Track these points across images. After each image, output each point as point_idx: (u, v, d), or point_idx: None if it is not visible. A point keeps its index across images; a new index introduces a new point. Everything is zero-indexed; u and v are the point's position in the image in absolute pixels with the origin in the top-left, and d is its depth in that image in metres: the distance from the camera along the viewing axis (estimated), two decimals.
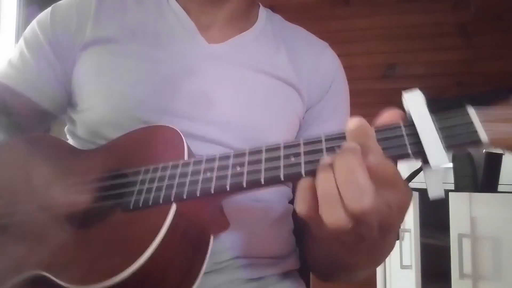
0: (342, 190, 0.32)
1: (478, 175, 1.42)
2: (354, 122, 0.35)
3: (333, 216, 0.32)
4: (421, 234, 1.42)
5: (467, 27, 1.93)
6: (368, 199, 0.31)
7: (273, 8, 0.76)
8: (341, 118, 0.68)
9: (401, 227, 1.41)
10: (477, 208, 1.29)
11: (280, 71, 0.64)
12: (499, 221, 1.28)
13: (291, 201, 0.66)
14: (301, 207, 0.35)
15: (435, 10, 1.96)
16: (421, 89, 0.37)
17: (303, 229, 0.63)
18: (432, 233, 1.47)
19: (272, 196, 0.61)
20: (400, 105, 0.39)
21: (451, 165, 1.47)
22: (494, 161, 1.38)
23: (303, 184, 0.35)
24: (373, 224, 0.33)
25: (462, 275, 1.26)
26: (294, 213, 0.66)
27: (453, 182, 1.45)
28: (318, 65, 0.68)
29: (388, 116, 0.38)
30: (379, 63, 2.01)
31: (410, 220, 1.41)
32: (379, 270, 1.56)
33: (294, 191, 0.67)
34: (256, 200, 0.58)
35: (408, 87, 0.38)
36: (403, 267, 1.41)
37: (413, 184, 1.27)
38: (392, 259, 1.50)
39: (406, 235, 1.42)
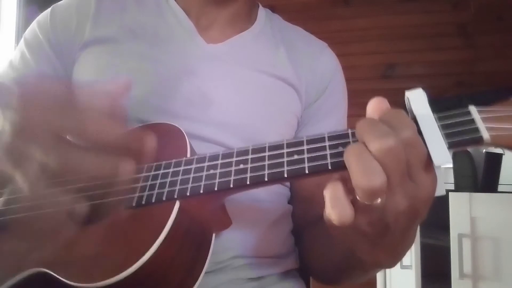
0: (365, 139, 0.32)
1: (478, 175, 1.42)
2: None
3: (367, 167, 0.32)
4: (421, 234, 1.42)
5: (467, 27, 1.93)
6: (389, 138, 0.32)
7: (273, 8, 0.76)
8: (336, 119, 0.68)
9: None
10: (477, 208, 1.29)
11: (279, 71, 0.64)
12: (499, 221, 1.28)
13: (290, 202, 0.66)
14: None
15: (435, 10, 1.96)
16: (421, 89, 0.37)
17: (312, 232, 0.62)
18: (432, 233, 1.47)
19: (272, 197, 0.61)
20: (400, 105, 0.39)
21: (451, 164, 1.47)
22: (494, 161, 1.38)
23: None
24: (399, 203, 0.34)
25: (462, 275, 1.26)
26: (293, 214, 0.66)
27: (453, 182, 1.45)
28: (317, 65, 0.67)
29: (375, 106, 0.37)
30: (379, 63, 2.01)
31: None
32: None
33: (292, 192, 0.66)
34: (256, 200, 0.58)
35: (408, 87, 0.38)
36: (403, 267, 1.41)
37: None
38: None
39: None
